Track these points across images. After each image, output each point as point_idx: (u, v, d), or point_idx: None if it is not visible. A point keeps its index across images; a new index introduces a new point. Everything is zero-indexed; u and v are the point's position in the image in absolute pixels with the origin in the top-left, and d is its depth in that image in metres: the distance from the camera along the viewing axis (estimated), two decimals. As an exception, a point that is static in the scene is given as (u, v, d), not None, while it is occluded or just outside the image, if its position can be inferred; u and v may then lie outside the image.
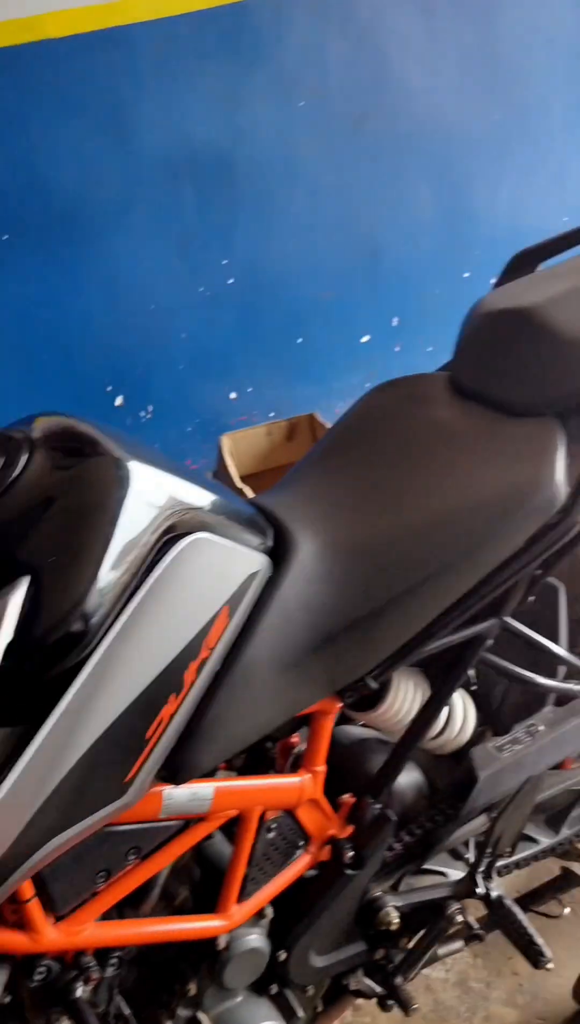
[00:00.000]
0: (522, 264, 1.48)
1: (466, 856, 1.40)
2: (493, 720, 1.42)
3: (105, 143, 2.58)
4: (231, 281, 2.86)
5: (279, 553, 1.09)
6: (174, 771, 1.02)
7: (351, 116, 2.88)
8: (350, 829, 1.26)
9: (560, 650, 1.30)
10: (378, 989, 1.35)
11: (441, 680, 1.25)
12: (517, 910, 1.33)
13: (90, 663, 0.88)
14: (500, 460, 1.16)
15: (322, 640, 1.09)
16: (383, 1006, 1.35)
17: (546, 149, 3.31)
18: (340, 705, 1.18)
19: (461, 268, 3.28)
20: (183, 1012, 1.20)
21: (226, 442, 2.63)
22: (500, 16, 3.04)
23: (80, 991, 1.06)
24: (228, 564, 1.02)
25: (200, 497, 1.02)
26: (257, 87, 2.71)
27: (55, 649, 0.87)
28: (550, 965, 1.35)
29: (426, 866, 1.34)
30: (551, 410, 1.19)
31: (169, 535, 0.96)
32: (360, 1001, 1.40)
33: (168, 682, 0.95)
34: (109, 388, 2.80)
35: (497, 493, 1.13)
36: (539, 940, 1.33)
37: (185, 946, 1.20)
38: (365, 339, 3.18)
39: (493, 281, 3.53)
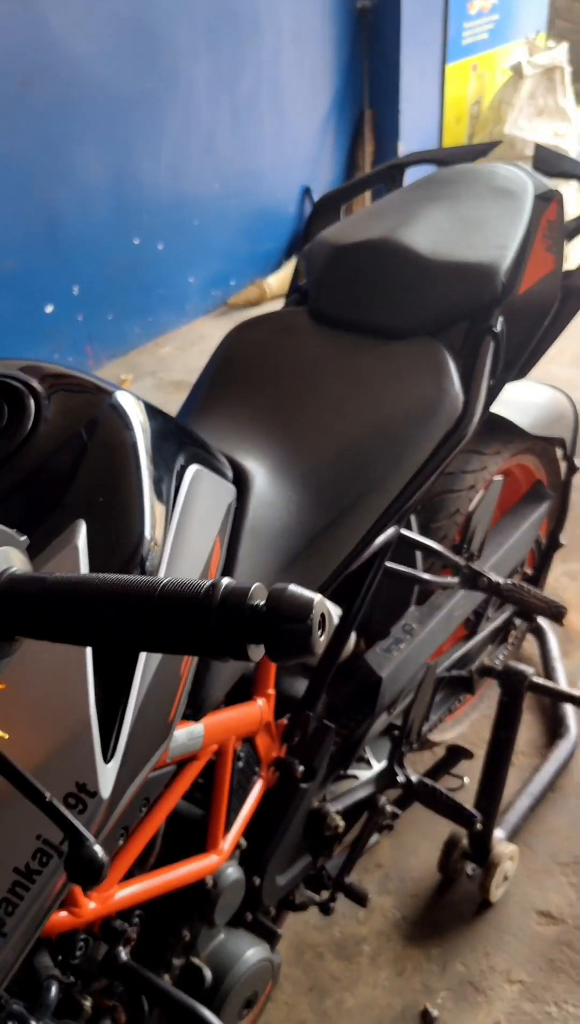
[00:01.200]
0: (326, 207, 1.58)
1: (366, 756, 1.50)
2: (362, 629, 1.53)
3: None
4: None
5: (238, 482, 1.10)
6: (197, 706, 1.01)
7: (16, 77, 2.78)
8: (285, 748, 1.31)
9: (446, 551, 1.45)
10: (317, 898, 1.41)
11: (353, 594, 1.33)
12: (438, 786, 1.46)
13: None
14: (402, 377, 1.26)
15: (288, 560, 1.12)
16: (325, 910, 1.41)
17: (195, 118, 3.42)
18: (289, 626, 1.22)
19: (132, 234, 3.31)
20: (177, 962, 1.18)
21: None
22: (146, -16, 3.09)
23: (124, 955, 1.01)
24: (216, 495, 1.03)
25: (183, 429, 1.01)
26: None
27: None
28: (479, 826, 1.50)
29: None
30: (423, 329, 1.31)
31: (179, 466, 0.95)
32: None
33: None
34: None
35: (410, 406, 1.23)
36: (465, 805, 1.48)
37: (167, 899, 1.18)
38: (49, 309, 3.10)
39: (161, 247, 3.56)
